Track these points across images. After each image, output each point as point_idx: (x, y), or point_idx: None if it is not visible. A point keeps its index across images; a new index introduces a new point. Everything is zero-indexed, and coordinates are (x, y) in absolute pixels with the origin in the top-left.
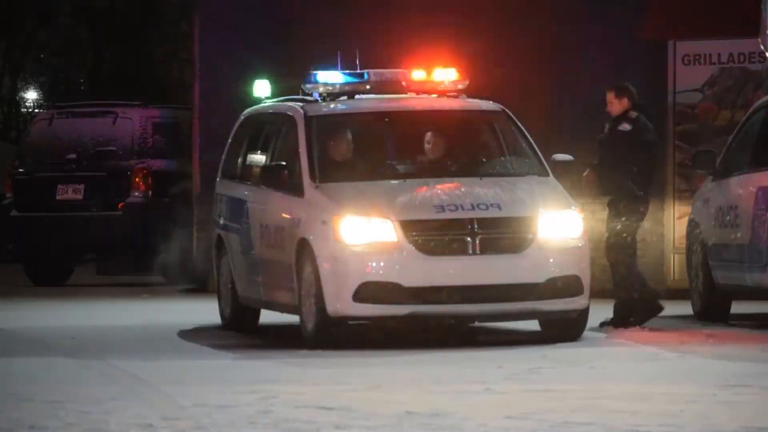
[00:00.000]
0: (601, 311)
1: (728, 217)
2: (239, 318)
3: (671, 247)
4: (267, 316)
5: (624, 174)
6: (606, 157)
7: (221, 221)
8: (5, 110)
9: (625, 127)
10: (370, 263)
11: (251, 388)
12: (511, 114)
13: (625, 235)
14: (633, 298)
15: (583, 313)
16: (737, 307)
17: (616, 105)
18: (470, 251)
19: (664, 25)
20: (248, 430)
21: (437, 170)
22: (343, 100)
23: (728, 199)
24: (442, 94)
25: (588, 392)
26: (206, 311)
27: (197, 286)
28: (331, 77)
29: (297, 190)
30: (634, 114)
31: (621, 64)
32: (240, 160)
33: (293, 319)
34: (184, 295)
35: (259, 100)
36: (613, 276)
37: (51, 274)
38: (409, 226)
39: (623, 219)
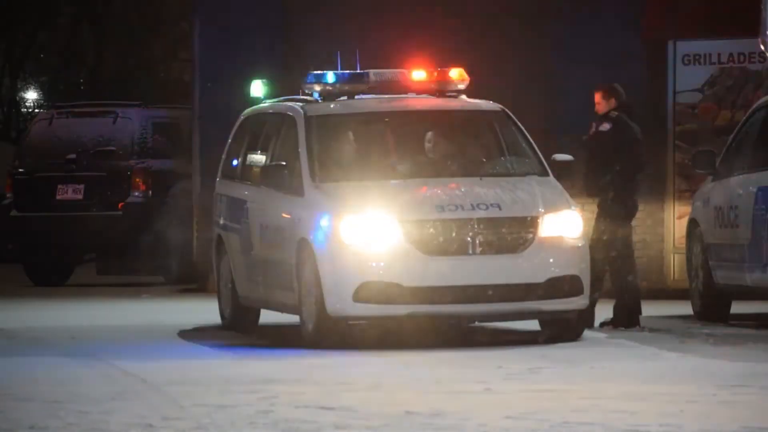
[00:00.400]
0: (602, 311)
1: (728, 217)
2: (239, 318)
3: (671, 247)
4: (267, 316)
5: (607, 174)
6: (590, 158)
7: (221, 221)
8: (5, 110)
9: (605, 126)
10: (370, 263)
11: (251, 388)
12: (511, 114)
13: (613, 237)
14: (638, 299)
15: (583, 313)
16: (737, 307)
17: (603, 105)
18: (470, 251)
19: (664, 25)
20: (248, 430)
21: (437, 170)
22: (343, 100)
23: (728, 199)
24: (442, 94)
25: (588, 392)
26: (206, 311)
27: (197, 286)
28: (330, 77)
29: (297, 190)
30: (614, 114)
31: (621, 64)
32: (240, 160)
33: (293, 319)
34: (184, 295)
35: (258, 100)
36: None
37: (51, 274)
38: (409, 226)
39: (609, 220)
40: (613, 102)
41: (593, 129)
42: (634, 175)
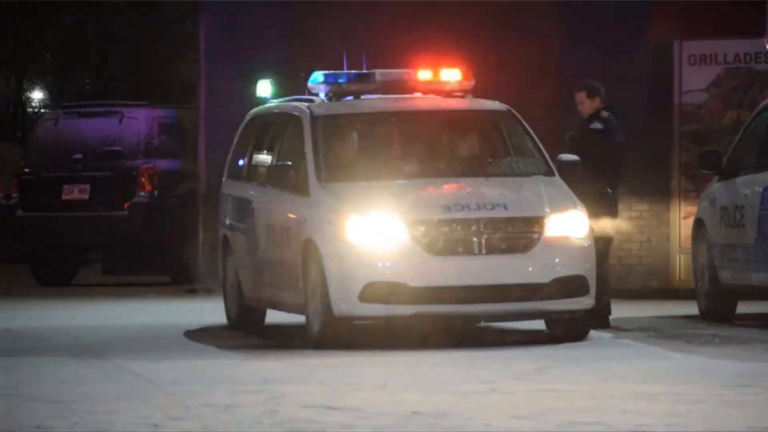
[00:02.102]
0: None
1: (734, 217)
2: (245, 318)
3: (677, 247)
4: (273, 316)
5: (594, 173)
6: (577, 155)
7: (227, 221)
8: (11, 110)
9: (597, 126)
10: (376, 263)
11: (257, 388)
12: (517, 114)
13: (601, 234)
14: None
15: (589, 313)
16: (743, 307)
17: (587, 105)
18: (476, 251)
19: (671, 25)
20: (254, 431)
21: (443, 170)
22: (350, 100)
23: (734, 199)
24: (448, 94)
25: (594, 392)
26: (212, 311)
27: (203, 286)
28: (337, 77)
29: (303, 190)
30: (605, 114)
31: (627, 64)
32: (246, 160)
33: (299, 319)
34: (190, 295)
35: (264, 100)
36: None
37: (56, 274)
38: (415, 226)
39: (597, 218)
40: (597, 102)
41: (579, 127)
42: (618, 176)
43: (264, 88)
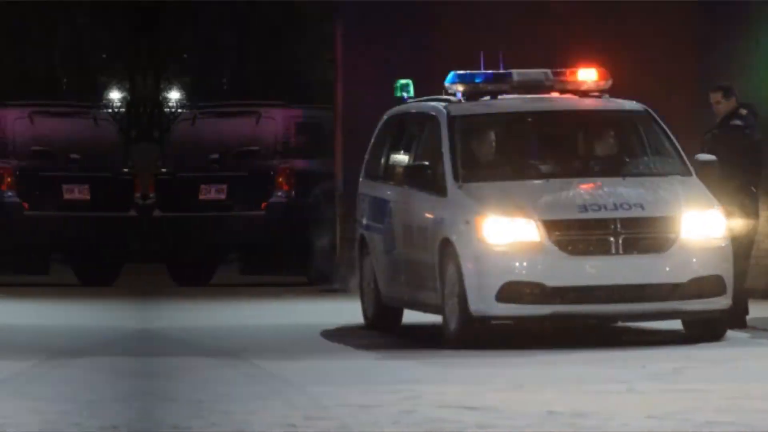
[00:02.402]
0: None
1: None
2: (382, 318)
3: None
4: (410, 316)
5: (738, 170)
6: (718, 154)
7: (364, 221)
8: (148, 110)
9: (738, 122)
10: (513, 263)
11: (394, 387)
12: (653, 114)
13: (744, 233)
14: (746, 297)
15: (726, 313)
16: None
17: (723, 105)
18: (613, 251)
19: None
20: (392, 430)
21: (580, 170)
22: (486, 99)
23: None
24: (584, 94)
25: (731, 392)
26: (349, 311)
27: (340, 286)
28: (473, 77)
29: (440, 189)
30: (744, 111)
31: (763, 64)
32: (383, 160)
33: (436, 318)
34: (327, 296)
35: (402, 100)
36: None
37: (194, 274)
38: (551, 226)
39: (742, 217)
40: (734, 101)
41: (718, 126)
42: (759, 174)
43: (402, 88)
